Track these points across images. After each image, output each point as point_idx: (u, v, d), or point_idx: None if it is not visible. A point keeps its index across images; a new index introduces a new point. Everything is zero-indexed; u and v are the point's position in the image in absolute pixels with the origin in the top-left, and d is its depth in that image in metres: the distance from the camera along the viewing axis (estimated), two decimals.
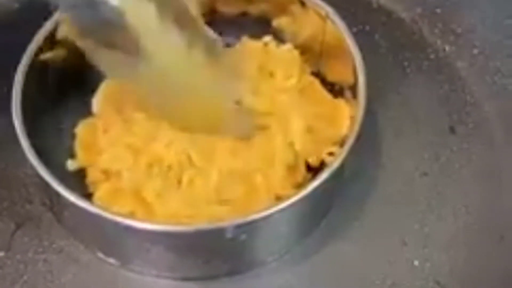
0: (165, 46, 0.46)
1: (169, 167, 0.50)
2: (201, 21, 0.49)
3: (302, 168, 0.51)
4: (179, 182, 0.50)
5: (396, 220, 0.52)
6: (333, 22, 0.53)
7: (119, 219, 0.46)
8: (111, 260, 0.50)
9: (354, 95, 0.52)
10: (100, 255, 0.50)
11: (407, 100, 0.57)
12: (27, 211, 0.51)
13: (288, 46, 0.55)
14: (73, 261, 0.50)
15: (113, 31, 0.45)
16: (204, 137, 0.50)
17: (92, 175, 0.51)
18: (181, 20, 0.47)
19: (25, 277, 0.49)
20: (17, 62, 0.51)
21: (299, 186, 0.50)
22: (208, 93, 0.49)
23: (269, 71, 0.53)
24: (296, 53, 0.54)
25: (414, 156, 0.54)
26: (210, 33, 0.50)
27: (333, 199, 0.51)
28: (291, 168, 0.51)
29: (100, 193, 0.50)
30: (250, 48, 0.54)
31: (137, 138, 0.51)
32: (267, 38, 0.55)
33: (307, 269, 0.50)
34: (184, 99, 0.49)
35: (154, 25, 0.45)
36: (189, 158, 0.50)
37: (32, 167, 0.48)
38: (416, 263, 0.50)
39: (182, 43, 0.47)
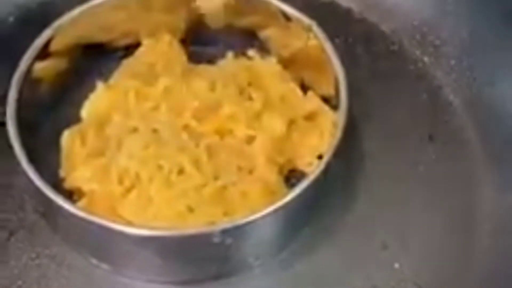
0: None
1: (138, 177, 0.51)
2: None
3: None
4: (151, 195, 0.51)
5: (377, 224, 0.53)
6: (315, 34, 0.54)
7: (108, 224, 0.47)
8: (103, 266, 0.51)
9: (337, 105, 0.53)
10: (93, 260, 0.51)
11: (387, 109, 0.58)
12: (21, 219, 0.52)
13: (271, 60, 0.57)
14: (66, 267, 0.51)
15: None
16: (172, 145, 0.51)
17: (70, 186, 0.52)
18: None
19: (19, 282, 0.50)
20: (11, 74, 0.52)
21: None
22: None
23: (249, 94, 0.54)
24: (278, 67, 0.56)
25: (394, 163, 0.55)
26: None
27: (317, 204, 0.52)
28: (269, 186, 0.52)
29: (80, 204, 0.51)
30: (232, 68, 0.56)
31: (106, 155, 0.52)
32: (251, 52, 0.57)
33: (292, 273, 0.51)
34: None
35: None
36: (160, 167, 0.51)
37: (24, 175, 0.49)
38: (396, 265, 0.52)
39: None
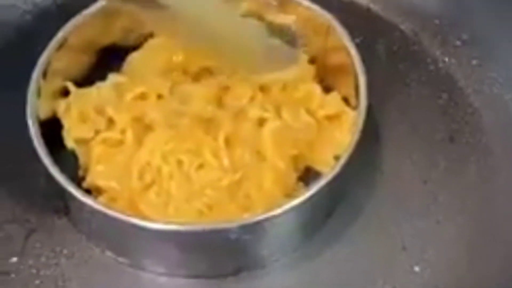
0: None
1: (159, 172, 0.51)
2: None
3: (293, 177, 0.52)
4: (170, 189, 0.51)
5: (395, 225, 0.52)
6: (335, 33, 0.54)
7: (129, 219, 0.47)
8: (123, 260, 0.51)
9: (356, 106, 0.53)
10: (111, 254, 0.51)
11: (407, 109, 0.57)
12: (40, 218, 0.52)
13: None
14: (84, 265, 0.51)
15: None
16: (192, 139, 0.51)
17: (88, 184, 0.52)
18: None
19: (37, 282, 0.50)
20: (31, 69, 0.52)
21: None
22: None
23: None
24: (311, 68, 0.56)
25: (413, 164, 0.55)
26: None
27: (336, 202, 0.52)
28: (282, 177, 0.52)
29: (101, 200, 0.51)
30: None
31: (124, 151, 0.52)
32: None
33: (310, 269, 0.51)
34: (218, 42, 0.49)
35: None
36: (180, 163, 0.51)
37: (45, 173, 0.49)
38: (416, 268, 0.51)
39: None
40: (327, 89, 0.56)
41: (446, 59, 0.60)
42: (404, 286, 0.51)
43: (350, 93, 0.54)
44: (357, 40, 0.58)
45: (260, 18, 0.56)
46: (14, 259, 0.51)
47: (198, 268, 0.51)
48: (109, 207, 0.48)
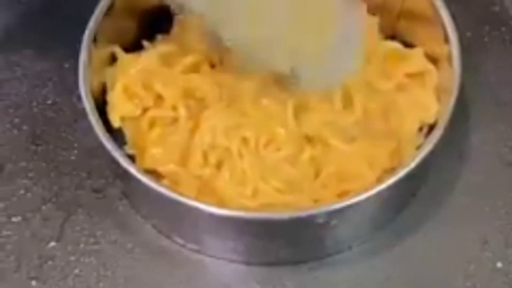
0: None
1: (226, 151, 0.47)
2: None
3: None
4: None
5: (477, 215, 0.48)
6: None
7: (207, 208, 0.43)
8: (191, 245, 0.47)
9: (437, 64, 0.48)
10: (179, 240, 0.47)
11: (488, 81, 0.52)
12: (78, 198, 0.48)
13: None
14: (127, 253, 0.47)
15: None
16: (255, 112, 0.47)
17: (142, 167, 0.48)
18: None
19: (76, 270, 0.46)
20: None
21: None
22: None
23: None
24: (374, 20, 0.50)
25: (497, 144, 0.50)
26: None
27: (417, 186, 0.48)
28: None
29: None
30: None
31: (179, 130, 0.47)
32: None
33: (389, 255, 0.47)
34: None
35: None
36: (245, 140, 0.47)
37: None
38: (499, 265, 0.46)
39: None
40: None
41: None
42: (486, 285, 0.46)
43: (431, 50, 0.49)
44: None
45: None
46: (52, 244, 0.47)
47: (279, 255, 0.47)
48: (181, 196, 0.43)
